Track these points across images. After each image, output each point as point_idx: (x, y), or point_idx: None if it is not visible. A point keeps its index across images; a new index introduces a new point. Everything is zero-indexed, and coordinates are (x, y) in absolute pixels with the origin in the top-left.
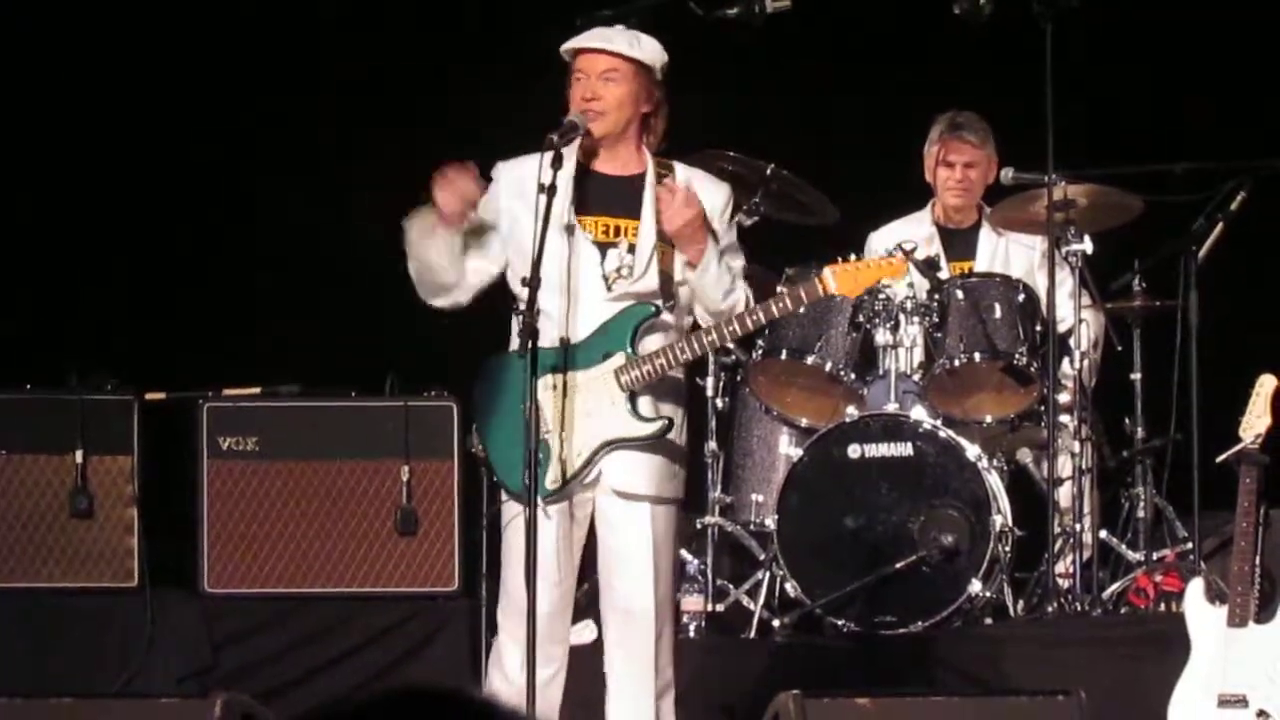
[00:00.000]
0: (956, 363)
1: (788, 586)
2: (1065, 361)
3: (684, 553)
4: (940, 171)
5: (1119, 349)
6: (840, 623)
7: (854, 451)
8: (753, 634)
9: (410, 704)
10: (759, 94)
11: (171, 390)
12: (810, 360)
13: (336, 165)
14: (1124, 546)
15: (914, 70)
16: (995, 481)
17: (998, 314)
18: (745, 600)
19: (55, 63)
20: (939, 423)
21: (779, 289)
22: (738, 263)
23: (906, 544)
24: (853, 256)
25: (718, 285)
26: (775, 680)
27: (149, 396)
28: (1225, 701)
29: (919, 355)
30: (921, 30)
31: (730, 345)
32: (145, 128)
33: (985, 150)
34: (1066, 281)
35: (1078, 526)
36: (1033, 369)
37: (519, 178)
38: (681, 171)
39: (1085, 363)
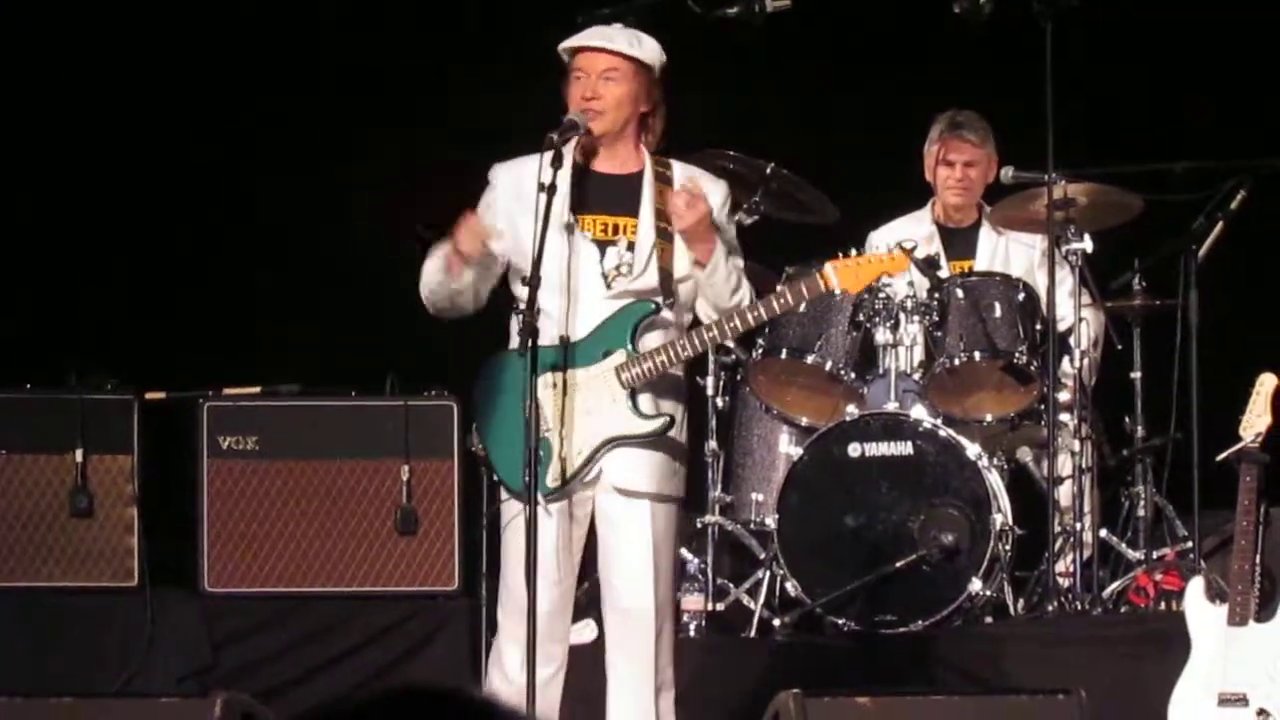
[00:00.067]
0: (956, 361)
1: (788, 586)
2: (1065, 360)
3: (684, 552)
4: (940, 170)
5: (1119, 348)
6: (840, 622)
7: (854, 450)
8: (753, 633)
9: (410, 703)
10: (759, 93)
11: (171, 390)
12: (810, 359)
13: (336, 165)
14: (1124, 545)
15: (914, 69)
16: (995, 480)
17: (998, 313)
18: (745, 599)
19: (55, 63)
20: (939, 421)
21: (779, 286)
22: (739, 261)
23: (907, 543)
24: (853, 252)
25: (726, 283)
26: (775, 679)
27: (149, 396)
28: (1225, 700)
29: (919, 354)
30: (921, 29)
31: (730, 344)
32: (145, 128)
33: (985, 149)
34: (1066, 280)
35: (1078, 525)
36: (1033, 368)
37: (517, 178)
38: (679, 169)
39: (1085, 361)
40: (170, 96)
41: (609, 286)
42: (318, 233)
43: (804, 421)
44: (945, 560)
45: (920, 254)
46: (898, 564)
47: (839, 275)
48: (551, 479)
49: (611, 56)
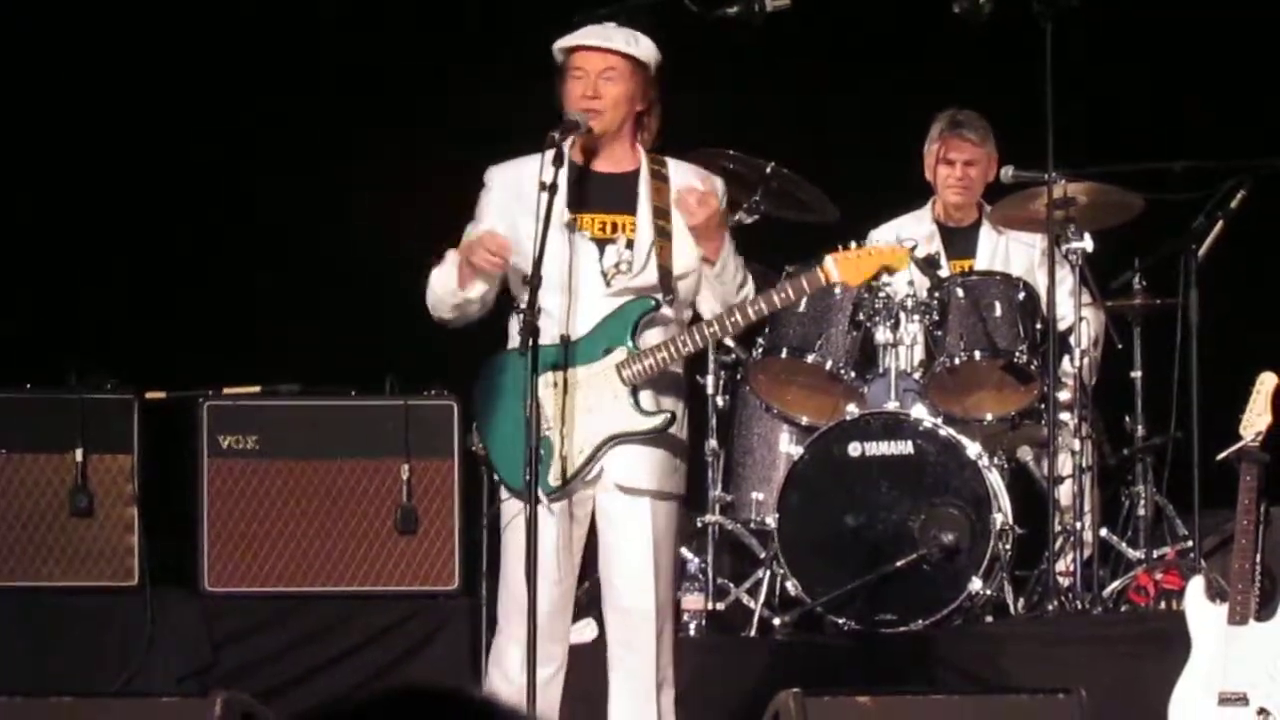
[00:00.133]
0: (957, 361)
1: (788, 585)
2: (1065, 359)
3: (684, 551)
4: (940, 169)
5: (1119, 347)
6: (841, 621)
7: (854, 450)
8: (753, 632)
9: (410, 703)
10: (758, 93)
11: (171, 389)
12: (810, 358)
13: (336, 165)
14: (1124, 544)
15: (913, 69)
16: (995, 479)
17: (998, 312)
18: (746, 599)
19: (55, 63)
20: (939, 421)
21: (780, 281)
22: (739, 257)
23: (907, 542)
24: (853, 245)
25: (733, 279)
26: (776, 679)
27: (149, 396)
28: (1226, 699)
29: (919, 353)
30: (921, 29)
31: (730, 343)
32: (145, 128)
33: (985, 148)
34: (1067, 279)
35: (1078, 524)
36: (1033, 367)
37: (515, 179)
38: (674, 167)
39: (1085, 361)
40: (170, 96)
41: (609, 284)
42: (318, 233)
43: (804, 421)
44: (945, 560)
45: (920, 253)
46: (898, 563)
47: (839, 268)
48: (553, 478)
49: (610, 55)
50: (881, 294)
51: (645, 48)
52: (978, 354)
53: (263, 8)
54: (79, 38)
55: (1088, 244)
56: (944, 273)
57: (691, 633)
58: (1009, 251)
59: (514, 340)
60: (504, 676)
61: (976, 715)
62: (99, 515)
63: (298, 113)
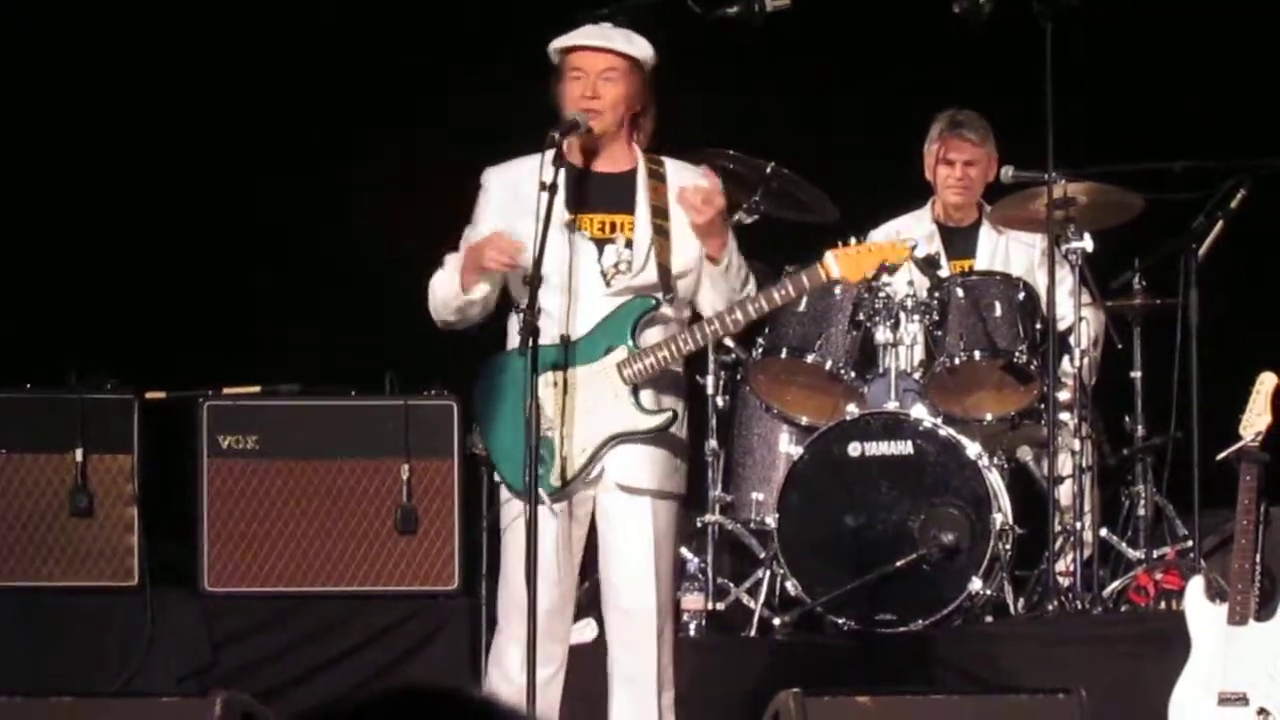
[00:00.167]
0: (957, 361)
1: (788, 585)
2: (1065, 359)
3: (684, 551)
4: (940, 169)
5: (1119, 347)
6: (841, 621)
7: (854, 450)
8: (753, 632)
9: (410, 703)
10: (759, 93)
11: (171, 390)
12: (810, 358)
13: (336, 165)
14: (1124, 544)
15: (914, 69)
16: (995, 479)
17: (998, 312)
18: (745, 599)
19: (55, 63)
20: (939, 421)
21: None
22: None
23: (907, 542)
24: (853, 240)
25: (737, 277)
26: (776, 679)
27: (149, 396)
28: (1226, 699)
29: (919, 353)
30: (921, 29)
31: (730, 343)
32: (145, 128)
33: (985, 148)
34: (1067, 279)
35: (1078, 524)
36: (1033, 367)
37: (512, 180)
38: (670, 166)
39: (1085, 361)
40: (170, 96)
41: (609, 284)
42: (318, 233)
43: (804, 421)
44: (945, 560)
45: (920, 253)
46: (898, 563)
47: (839, 264)
48: (555, 478)
49: (610, 56)
50: (881, 294)
51: (642, 47)
52: (978, 354)
53: (263, 8)
54: (79, 38)
55: (1088, 244)
56: (944, 273)
57: (691, 633)
58: (1009, 251)
59: (513, 341)
60: (504, 676)
61: (976, 715)
62: (99, 515)
63: (298, 113)
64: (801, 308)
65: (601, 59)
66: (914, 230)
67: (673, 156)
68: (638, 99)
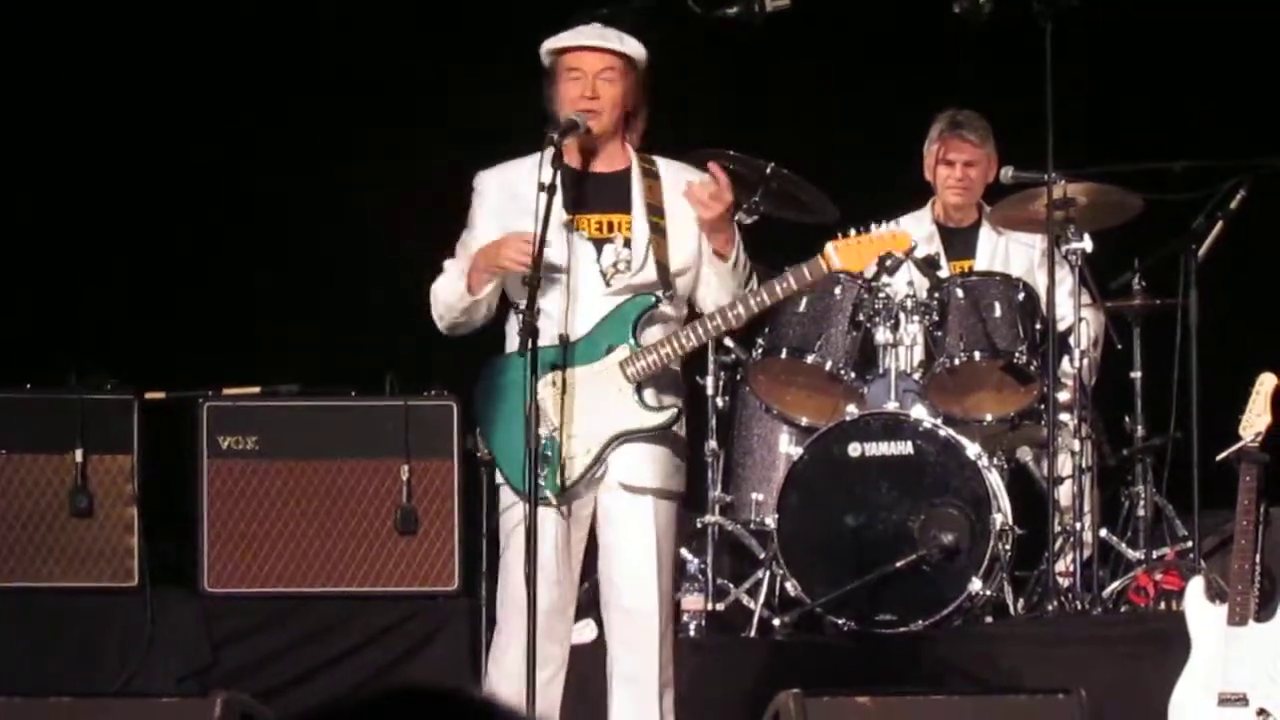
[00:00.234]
0: (956, 361)
1: (788, 585)
2: (1065, 360)
3: (684, 552)
4: (940, 170)
5: (1119, 347)
6: (840, 621)
7: (854, 450)
8: (753, 633)
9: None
10: (759, 93)
11: (171, 390)
12: (810, 359)
13: (336, 165)
14: (1124, 545)
15: (914, 69)
16: (995, 480)
17: (998, 312)
18: (745, 599)
19: (55, 63)
20: (939, 421)
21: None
22: None
23: (906, 542)
24: (853, 231)
25: (742, 272)
26: (775, 679)
27: (149, 396)
28: (1225, 700)
29: (919, 354)
30: (921, 29)
31: (729, 343)
32: (145, 128)
33: (985, 149)
34: (1066, 280)
35: (1078, 525)
36: (1033, 367)
37: (506, 182)
38: (662, 164)
39: (1085, 361)
40: (170, 96)
41: (608, 284)
42: (318, 233)
43: (804, 421)
44: (945, 560)
45: (920, 254)
46: (898, 564)
47: (840, 254)
48: (560, 479)
49: (608, 55)
50: (881, 295)
51: (634, 46)
52: (977, 354)
53: (263, 8)
54: (79, 38)
55: (1087, 244)
56: (944, 273)
57: (691, 633)
58: (1009, 252)
59: (513, 342)
60: (504, 677)
61: (976, 715)
62: (99, 515)
63: (298, 113)
64: (801, 308)
65: (600, 59)
66: (914, 231)
67: (674, 156)
68: (632, 98)
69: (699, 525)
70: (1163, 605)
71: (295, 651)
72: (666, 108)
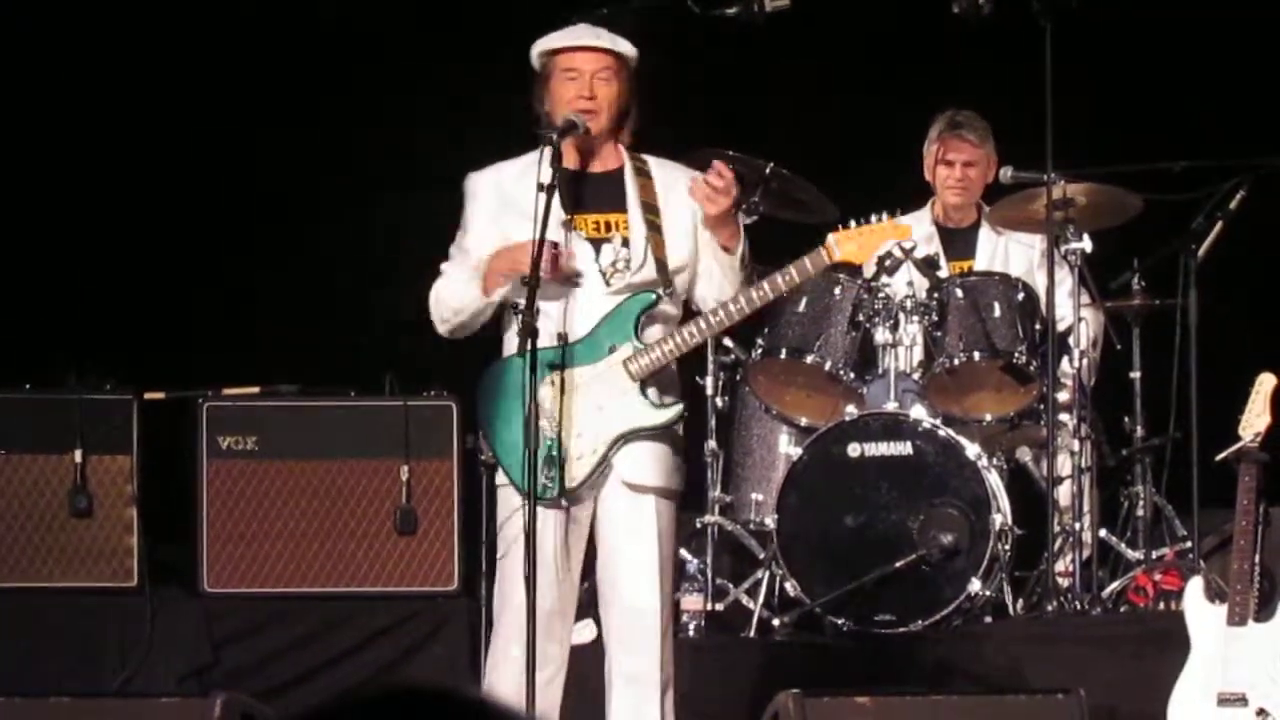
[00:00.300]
0: (956, 361)
1: (787, 585)
2: (1065, 360)
3: (684, 552)
4: (939, 170)
5: (1118, 347)
6: (840, 622)
7: (854, 450)
8: (752, 633)
9: (408, 703)
10: (759, 93)
11: (171, 390)
12: (810, 359)
13: (337, 165)
14: (1123, 545)
15: (914, 69)
16: (995, 480)
17: (997, 313)
18: (745, 599)
19: (55, 63)
20: (938, 421)
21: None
22: None
23: (906, 543)
24: (853, 223)
25: (745, 268)
26: (775, 679)
27: (148, 396)
28: (1225, 700)
29: (918, 354)
30: (921, 29)
31: (729, 343)
32: (145, 128)
33: (984, 149)
34: (1066, 280)
35: (1077, 525)
36: (1032, 368)
37: (498, 183)
38: (654, 163)
39: (1084, 361)
40: (171, 96)
41: (608, 283)
42: (318, 233)
43: (803, 421)
44: (945, 560)
45: (920, 254)
46: (897, 564)
47: (842, 246)
48: (568, 480)
49: (604, 55)
50: (881, 295)
51: (627, 46)
52: (977, 355)
53: (263, 8)
54: (79, 38)
55: (1087, 244)
56: (943, 273)
57: (691, 633)
58: (1008, 252)
59: (511, 347)
60: (503, 677)
61: (976, 715)
62: (98, 516)
63: (298, 113)
64: (801, 308)
65: (596, 59)
66: (914, 231)
67: (674, 156)
68: (626, 98)
69: (699, 525)
70: (1162, 605)
71: (295, 651)
72: (666, 108)
